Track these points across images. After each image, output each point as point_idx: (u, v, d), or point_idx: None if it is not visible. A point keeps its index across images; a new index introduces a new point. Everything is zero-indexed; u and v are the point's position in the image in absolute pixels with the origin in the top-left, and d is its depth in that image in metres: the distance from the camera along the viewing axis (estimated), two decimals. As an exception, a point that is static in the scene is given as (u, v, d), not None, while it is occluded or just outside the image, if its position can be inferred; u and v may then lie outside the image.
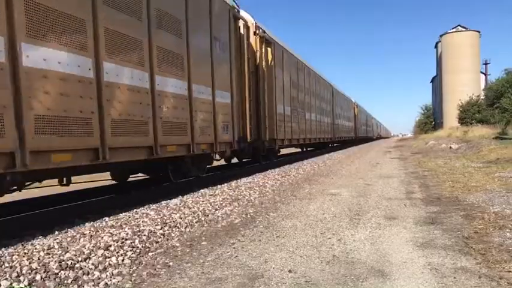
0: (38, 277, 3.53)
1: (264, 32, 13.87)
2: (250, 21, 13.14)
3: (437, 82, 75.01)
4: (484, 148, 19.98)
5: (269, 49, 14.44)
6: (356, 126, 42.72)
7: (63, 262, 3.85)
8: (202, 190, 8.70)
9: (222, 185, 9.51)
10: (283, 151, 20.72)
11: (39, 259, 3.94)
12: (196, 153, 8.84)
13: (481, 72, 67.87)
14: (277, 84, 15.31)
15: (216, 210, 6.71)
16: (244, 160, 15.02)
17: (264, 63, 13.85)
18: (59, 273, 3.64)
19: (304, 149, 25.87)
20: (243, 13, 12.74)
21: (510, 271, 3.55)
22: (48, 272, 3.64)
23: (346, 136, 35.54)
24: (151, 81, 7.11)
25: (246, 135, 12.27)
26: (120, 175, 9.01)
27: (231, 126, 10.73)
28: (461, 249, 4.25)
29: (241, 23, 12.26)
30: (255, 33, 13.32)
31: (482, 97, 45.71)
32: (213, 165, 11.58)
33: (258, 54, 13.48)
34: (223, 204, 7.14)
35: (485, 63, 73.13)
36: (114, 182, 9.27)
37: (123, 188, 9.00)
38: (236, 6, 11.80)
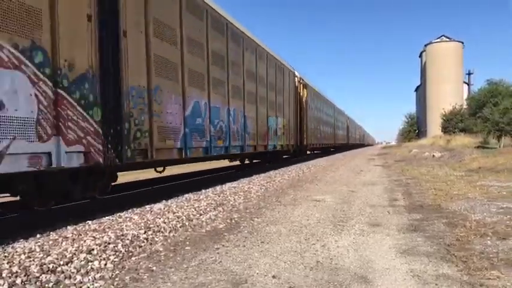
0: (18, 280, 3.47)
1: (303, 79, 23.54)
2: (299, 76, 22.49)
3: (421, 91, 75.93)
4: (467, 157, 20.28)
5: (305, 90, 23.67)
6: (348, 134, 52.75)
7: (44, 265, 3.79)
8: (186, 195, 8.67)
9: (207, 190, 9.49)
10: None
11: (19, 262, 3.88)
12: (288, 149, 19.56)
13: (464, 82, 68.95)
14: (308, 111, 24.28)
15: (201, 215, 6.68)
16: (284, 156, 22.59)
17: (303, 98, 23.17)
18: (40, 277, 3.59)
19: (316, 151, 34.64)
20: (296, 72, 22.01)
21: (491, 278, 3.60)
22: (29, 275, 3.59)
23: (342, 142, 45.67)
24: (259, 114, 14.70)
25: (296, 141, 21.32)
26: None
27: (292, 136, 20.30)
28: (443, 257, 4.30)
29: (296, 78, 21.90)
30: (299, 82, 22.71)
31: (465, 107, 46.31)
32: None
33: (300, 93, 22.77)
34: (208, 209, 7.12)
35: (469, 74, 74.30)
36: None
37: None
38: (294, 70, 21.41)
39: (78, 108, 5.77)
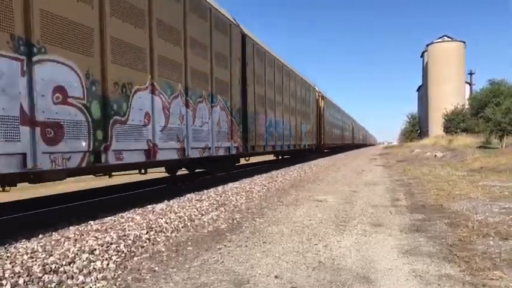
0: (20, 281, 3.48)
1: (321, 92, 29.33)
2: (318, 90, 28.14)
3: (423, 91, 75.86)
4: (469, 157, 20.26)
5: (322, 100, 29.42)
6: (353, 135, 58.81)
7: (46, 266, 3.80)
8: (188, 195, 8.67)
9: (209, 190, 9.49)
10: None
11: (22, 263, 3.89)
12: (311, 147, 25.02)
13: (466, 82, 68.80)
14: (324, 117, 29.87)
15: (203, 215, 6.69)
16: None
17: (321, 107, 28.75)
18: (43, 277, 3.59)
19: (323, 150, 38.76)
20: (316, 87, 27.67)
21: (493, 279, 3.59)
22: (31, 275, 3.60)
23: (348, 142, 50.53)
24: (296, 122, 20.62)
25: (316, 141, 26.78)
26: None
27: (314, 137, 25.72)
28: (445, 257, 4.30)
29: (316, 92, 27.62)
30: (318, 95, 28.24)
31: (467, 106, 46.23)
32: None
33: (319, 104, 28.27)
34: (210, 210, 7.13)
35: (470, 73, 74.18)
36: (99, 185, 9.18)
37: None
38: (315, 85, 27.20)
39: (236, 125, 11.97)
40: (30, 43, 4.85)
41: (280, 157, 24.32)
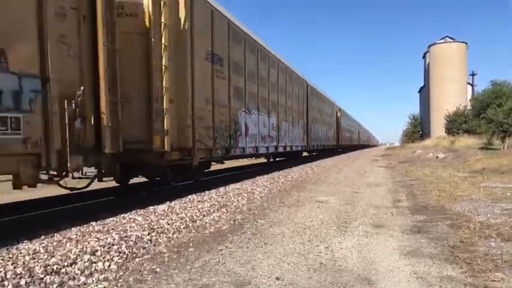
0: (22, 282, 3.49)
1: (339, 106, 40.55)
2: (337, 105, 38.75)
3: (425, 92, 75.66)
4: (470, 158, 20.24)
5: (340, 112, 39.36)
6: (359, 137, 69.30)
7: (48, 267, 3.81)
8: (190, 196, 8.67)
9: (211, 191, 9.49)
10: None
11: (24, 264, 3.90)
12: (333, 147, 36.72)
13: (468, 83, 68.64)
14: (341, 125, 39.73)
15: (204, 216, 6.69)
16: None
17: (339, 118, 38.22)
18: (44, 278, 3.60)
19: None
20: (336, 103, 38.50)
21: (495, 280, 3.59)
22: (33, 276, 3.61)
23: (355, 143, 60.58)
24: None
25: (336, 142, 37.09)
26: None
27: (334, 140, 36.48)
28: (447, 258, 4.29)
29: (336, 106, 38.61)
30: (338, 109, 38.06)
31: (469, 108, 46.13)
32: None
33: (337, 115, 37.69)
34: (212, 211, 7.13)
35: (472, 74, 73.94)
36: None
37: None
38: (335, 102, 37.90)
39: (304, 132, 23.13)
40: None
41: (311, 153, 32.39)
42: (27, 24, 5.14)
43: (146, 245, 4.90)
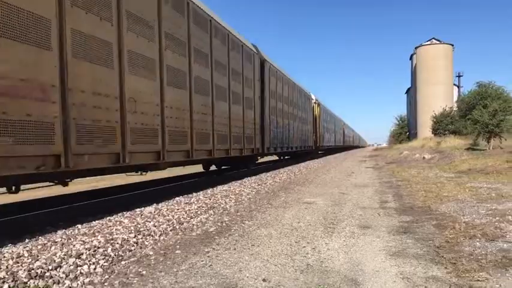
0: (5, 286, 3.44)
1: (345, 122, 58.95)
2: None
3: (412, 93, 76.33)
4: (457, 159, 20.45)
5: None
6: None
7: (32, 271, 3.76)
8: (177, 198, 8.64)
9: (198, 193, 9.47)
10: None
11: (7, 268, 3.85)
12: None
13: (454, 85, 69.39)
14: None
15: (191, 218, 6.66)
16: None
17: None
18: (28, 283, 3.55)
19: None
20: (343, 120, 56.06)
21: (479, 280, 3.63)
22: (16, 281, 3.56)
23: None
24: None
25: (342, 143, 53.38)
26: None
27: (340, 142, 50.58)
28: (432, 259, 4.33)
29: (343, 122, 56.00)
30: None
31: (455, 109, 46.63)
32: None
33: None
34: (199, 213, 7.10)
35: (458, 76, 74.85)
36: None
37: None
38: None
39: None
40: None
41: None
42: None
43: (132, 248, 4.86)
